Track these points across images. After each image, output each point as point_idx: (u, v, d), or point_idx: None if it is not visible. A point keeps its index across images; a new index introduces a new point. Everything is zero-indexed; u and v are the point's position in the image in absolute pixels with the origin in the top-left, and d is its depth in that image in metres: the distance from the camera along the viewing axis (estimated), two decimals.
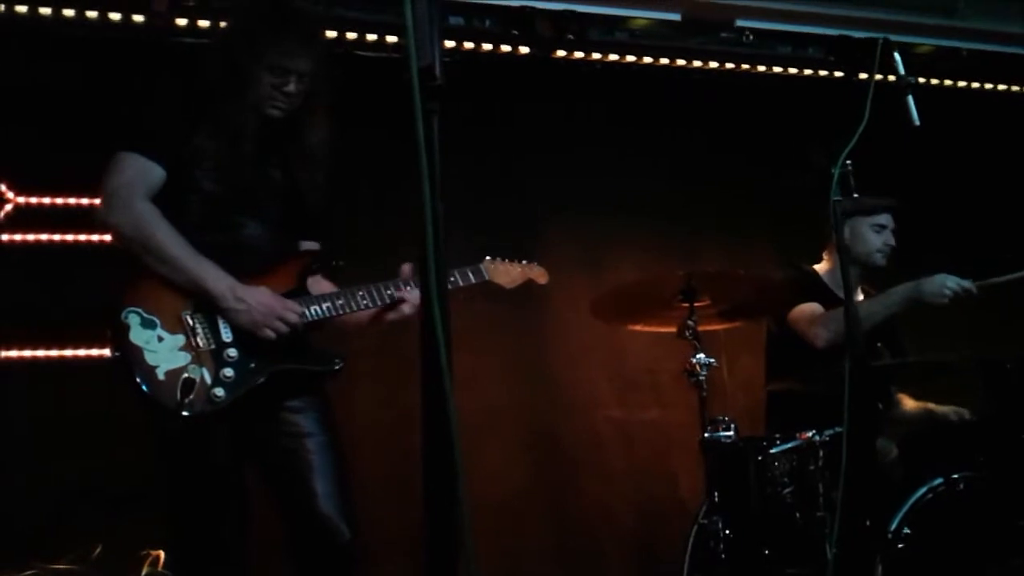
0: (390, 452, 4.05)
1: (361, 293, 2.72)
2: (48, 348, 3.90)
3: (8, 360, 3.86)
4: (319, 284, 2.79)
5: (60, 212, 4.02)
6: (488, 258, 3.08)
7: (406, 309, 2.73)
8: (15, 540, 3.57)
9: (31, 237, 3.98)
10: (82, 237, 3.99)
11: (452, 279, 2.90)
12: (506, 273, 3.11)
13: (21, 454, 3.78)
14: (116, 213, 2.54)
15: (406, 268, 2.77)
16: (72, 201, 4.02)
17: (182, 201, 2.60)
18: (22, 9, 4.00)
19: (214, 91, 2.63)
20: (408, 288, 2.74)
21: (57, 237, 4.00)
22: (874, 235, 3.88)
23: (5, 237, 3.96)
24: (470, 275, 2.97)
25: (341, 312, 2.70)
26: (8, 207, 4.00)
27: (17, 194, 4.01)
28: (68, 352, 3.90)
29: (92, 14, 4.09)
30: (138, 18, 4.12)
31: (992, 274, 3.62)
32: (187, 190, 2.61)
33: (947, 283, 3.58)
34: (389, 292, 2.73)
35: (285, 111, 2.70)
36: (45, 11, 4.03)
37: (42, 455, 3.79)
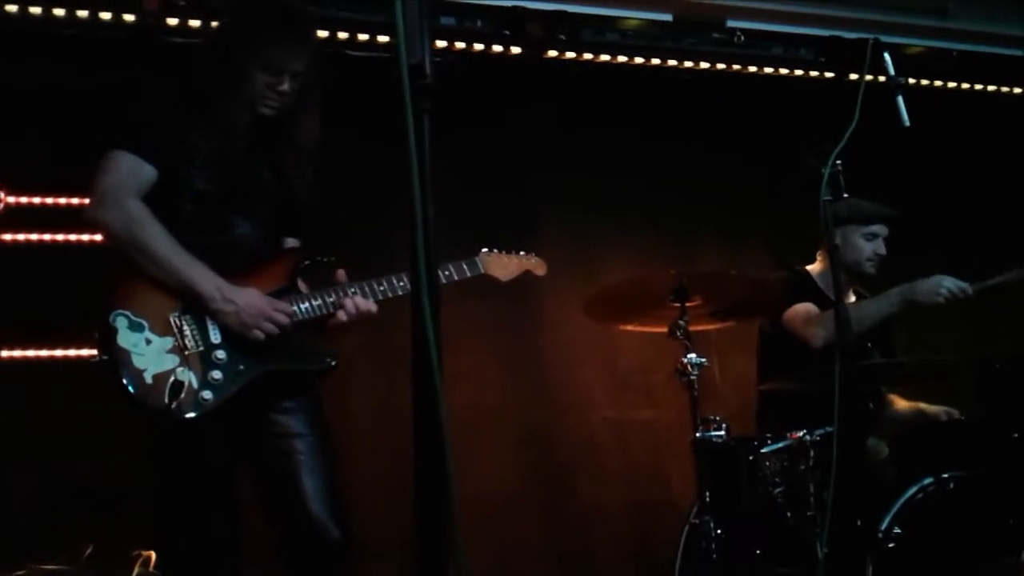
0: (382, 452, 4.04)
1: (353, 290, 2.72)
2: (40, 348, 3.90)
3: (0, 360, 3.85)
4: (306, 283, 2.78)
5: (52, 212, 4.01)
6: (484, 250, 3.06)
7: (342, 316, 2.70)
8: (7, 540, 3.56)
9: (22, 237, 3.97)
10: (74, 237, 3.99)
11: (447, 273, 2.88)
12: (503, 266, 3.09)
13: (13, 454, 3.77)
14: (106, 212, 2.53)
15: (340, 273, 2.75)
16: (64, 201, 4.02)
17: (173, 200, 2.59)
18: (12, 8, 3.99)
19: (207, 89, 2.62)
20: (351, 294, 2.71)
21: (48, 237, 3.99)
22: (866, 243, 3.87)
23: None
24: (465, 269, 2.96)
25: (332, 309, 2.69)
26: None
27: (8, 194, 4.00)
28: (59, 352, 3.90)
29: (83, 13, 4.07)
30: (129, 17, 4.10)
31: (986, 275, 3.61)
32: (179, 189, 2.60)
33: (943, 283, 3.57)
34: (353, 291, 2.70)
35: (277, 110, 2.69)
36: (35, 10, 4.01)
37: (34, 455, 3.78)
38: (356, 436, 3.98)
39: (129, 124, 2.65)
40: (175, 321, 2.52)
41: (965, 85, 5.46)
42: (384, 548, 3.82)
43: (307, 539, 2.58)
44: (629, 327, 3.80)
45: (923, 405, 3.98)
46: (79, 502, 3.74)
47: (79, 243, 3.97)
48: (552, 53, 4.76)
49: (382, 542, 3.83)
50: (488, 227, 4.29)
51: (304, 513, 2.57)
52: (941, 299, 3.57)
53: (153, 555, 3.40)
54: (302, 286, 2.74)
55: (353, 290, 2.72)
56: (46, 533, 3.63)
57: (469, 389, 4.27)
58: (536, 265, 3.22)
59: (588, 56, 4.83)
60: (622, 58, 4.88)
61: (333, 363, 2.69)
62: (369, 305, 2.72)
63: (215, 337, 2.54)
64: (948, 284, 3.57)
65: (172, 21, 4.14)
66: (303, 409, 2.67)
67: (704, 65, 5.00)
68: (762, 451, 3.36)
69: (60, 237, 4.00)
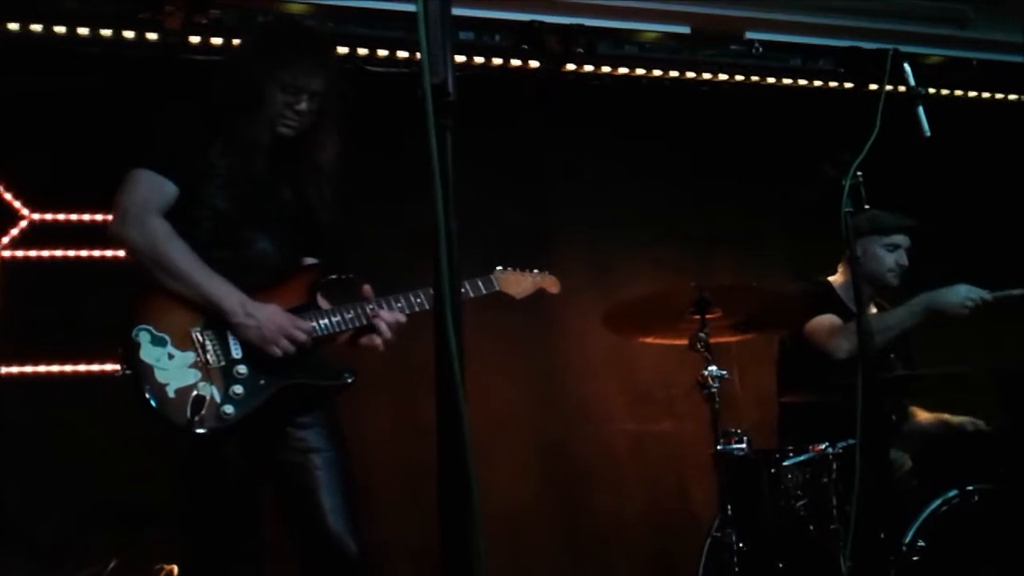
0: (402, 466, 4.05)
1: (371, 306, 2.73)
2: (63, 363, 3.93)
3: (25, 375, 3.90)
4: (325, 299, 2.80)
5: (74, 228, 4.06)
6: (499, 268, 3.07)
7: (377, 341, 2.73)
8: (32, 554, 3.59)
9: (46, 253, 4.02)
10: (96, 253, 4.03)
11: (463, 290, 2.89)
12: (517, 283, 3.10)
13: (38, 469, 3.80)
14: (129, 229, 2.56)
15: (367, 289, 2.76)
16: (87, 218, 4.07)
17: (194, 217, 2.61)
18: (37, 28, 4.04)
19: (228, 108, 2.65)
20: (383, 309, 2.73)
21: (71, 253, 4.04)
22: (887, 254, 3.85)
23: (20, 253, 4.00)
24: (480, 286, 2.97)
25: (351, 325, 2.71)
26: (23, 224, 4.04)
27: (32, 211, 4.05)
28: (82, 367, 3.93)
29: (106, 32, 4.13)
30: (152, 36, 4.16)
31: (1006, 286, 3.59)
32: (199, 206, 2.62)
33: (968, 294, 3.56)
34: (371, 308, 2.72)
35: (295, 130, 2.71)
36: (59, 29, 4.07)
37: (58, 470, 3.81)
38: (373, 449, 3.99)
39: (151, 143, 2.68)
40: (197, 336, 2.53)
41: (985, 95, 5.44)
42: (402, 563, 3.82)
43: (325, 553, 2.58)
44: (649, 339, 3.80)
45: (947, 416, 3.95)
46: (102, 516, 3.76)
47: (102, 259, 4.01)
48: (570, 67, 4.78)
49: (400, 556, 3.84)
50: (506, 240, 4.33)
51: (322, 527, 2.58)
52: (967, 310, 3.56)
53: (176, 569, 3.42)
54: (322, 303, 2.75)
55: (371, 306, 2.73)
56: (70, 547, 3.65)
57: (488, 401, 4.27)
58: (551, 283, 3.23)
59: (606, 69, 4.85)
60: (640, 71, 4.89)
61: (351, 379, 2.69)
62: (397, 316, 2.74)
63: (236, 352, 2.55)
64: (973, 294, 3.56)
65: (194, 39, 4.19)
66: (321, 424, 2.68)
67: (722, 77, 5.01)
68: (784, 464, 3.35)
69: (84, 253, 4.04)
